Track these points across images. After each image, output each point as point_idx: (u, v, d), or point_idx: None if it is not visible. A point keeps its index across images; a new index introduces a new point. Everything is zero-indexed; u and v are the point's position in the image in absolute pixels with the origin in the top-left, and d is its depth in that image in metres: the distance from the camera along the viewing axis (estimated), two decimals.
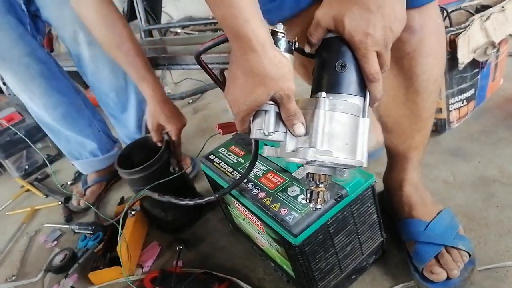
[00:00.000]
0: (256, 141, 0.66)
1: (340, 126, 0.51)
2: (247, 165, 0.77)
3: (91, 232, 1.06)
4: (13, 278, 1.04)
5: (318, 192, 0.55)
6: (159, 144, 1.02)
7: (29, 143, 1.46)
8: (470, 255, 0.72)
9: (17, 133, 1.64)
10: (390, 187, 0.86)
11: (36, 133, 1.69)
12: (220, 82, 0.63)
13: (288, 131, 0.53)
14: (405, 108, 0.72)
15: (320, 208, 0.56)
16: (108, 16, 0.92)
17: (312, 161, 0.50)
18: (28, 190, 1.54)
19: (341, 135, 0.51)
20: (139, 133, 1.32)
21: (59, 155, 1.76)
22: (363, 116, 0.53)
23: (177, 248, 0.96)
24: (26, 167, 1.69)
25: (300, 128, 0.52)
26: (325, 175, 0.54)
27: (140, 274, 0.96)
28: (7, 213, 1.43)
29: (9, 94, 2.04)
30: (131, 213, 1.04)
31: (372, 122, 1.03)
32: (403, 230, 0.79)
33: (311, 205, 0.55)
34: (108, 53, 0.96)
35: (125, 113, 1.28)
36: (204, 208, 1.10)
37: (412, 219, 0.78)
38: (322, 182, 0.54)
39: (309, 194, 0.55)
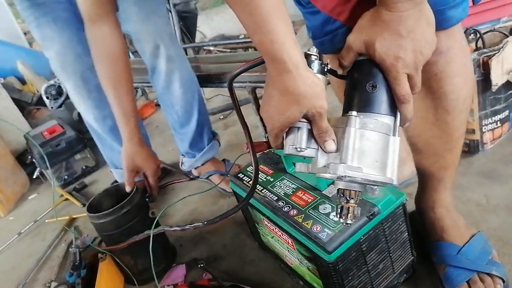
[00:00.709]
0: (256, 158, 0.69)
1: (370, 143, 0.53)
2: (276, 182, 0.80)
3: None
4: (51, 282, 1.10)
5: (349, 208, 0.56)
6: (128, 190, 1.00)
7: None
8: (504, 281, 0.70)
9: (58, 145, 1.73)
10: (422, 208, 0.86)
11: (76, 145, 1.78)
12: (239, 111, 0.68)
13: (319, 147, 0.56)
14: (435, 128, 0.73)
15: (350, 224, 0.58)
16: (116, 53, 0.97)
17: (342, 176, 0.52)
18: (67, 199, 1.61)
19: (371, 152, 0.53)
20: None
21: (97, 166, 1.85)
22: (394, 135, 0.55)
23: (199, 266, 0.99)
24: (66, 177, 1.77)
25: (331, 145, 0.54)
26: (356, 191, 0.56)
27: None
28: (46, 221, 1.50)
29: (52, 107, 2.16)
30: (101, 257, 1.00)
31: (408, 153, 1.04)
32: (435, 253, 0.79)
33: (341, 220, 0.57)
34: (103, 87, 1.00)
35: (185, 128, 1.31)
36: (176, 256, 1.08)
37: (444, 241, 0.77)
38: (352, 198, 0.56)
39: (339, 210, 0.57)
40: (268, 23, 0.49)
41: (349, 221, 0.57)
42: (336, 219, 0.65)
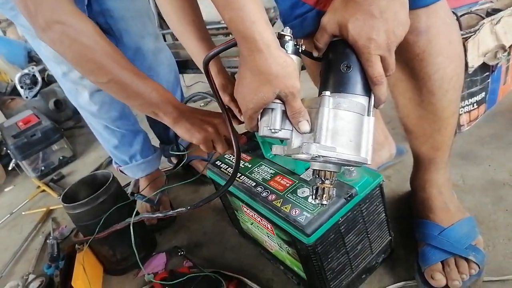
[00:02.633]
0: (237, 144, 0.67)
1: (344, 123, 0.53)
2: (255, 168, 0.79)
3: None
4: (29, 274, 1.07)
5: (324, 188, 0.56)
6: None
7: None
8: (479, 267, 0.70)
9: (33, 135, 1.69)
10: (414, 187, 0.87)
11: (52, 135, 1.73)
12: (217, 93, 0.65)
13: (294, 128, 0.55)
14: (422, 109, 0.73)
15: (326, 204, 0.57)
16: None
17: (316, 156, 0.51)
18: (43, 190, 1.58)
19: (345, 132, 0.53)
20: None
21: (74, 156, 1.81)
22: (368, 115, 0.55)
23: (179, 253, 0.98)
24: (42, 168, 1.73)
25: (305, 125, 0.53)
26: (331, 171, 0.56)
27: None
28: (23, 213, 1.46)
29: (26, 97, 2.10)
30: (78, 248, 0.97)
31: (386, 137, 1.04)
32: (418, 230, 0.79)
33: (317, 201, 0.57)
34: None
35: None
36: (156, 245, 1.07)
37: (429, 221, 0.78)
38: (327, 179, 0.56)
39: (314, 190, 0.57)
40: (239, 0, 0.48)
41: (324, 202, 0.57)
42: (314, 202, 0.65)
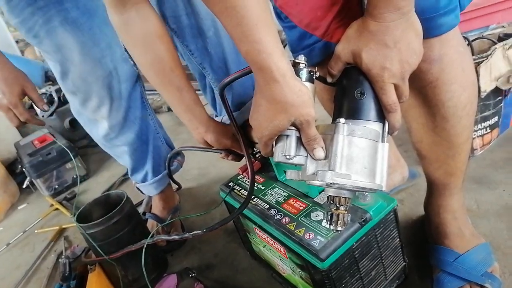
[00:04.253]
0: (252, 167, 0.69)
1: (359, 150, 0.53)
2: (268, 191, 0.79)
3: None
4: None
5: (339, 215, 0.56)
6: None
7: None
8: None
9: (49, 154, 1.71)
10: (428, 212, 0.86)
11: (67, 154, 1.76)
12: (233, 118, 0.68)
13: (308, 155, 0.56)
14: (435, 134, 0.73)
15: (340, 230, 0.57)
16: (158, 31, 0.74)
17: (331, 183, 0.52)
18: (57, 209, 1.59)
19: (359, 159, 0.53)
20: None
21: (88, 175, 1.83)
22: (383, 141, 0.55)
23: (190, 275, 0.97)
24: (56, 186, 1.75)
25: (319, 152, 0.54)
26: (345, 198, 0.56)
27: None
28: (36, 231, 1.47)
29: (42, 116, 2.14)
30: (90, 268, 0.98)
31: (398, 160, 1.04)
32: (432, 255, 0.78)
33: (331, 227, 0.57)
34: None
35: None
36: (167, 266, 1.07)
37: (444, 247, 0.77)
38: (342, 205, 0.56)
39: (329, 217, 0.57)
40: (255, 33, 0.49)
41: (339, 228, 0.57)
42: (329, 227, 0.65)
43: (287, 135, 0.55)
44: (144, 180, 1.21)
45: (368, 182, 0.53)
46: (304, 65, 0.56)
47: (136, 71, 1.06)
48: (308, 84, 0.56)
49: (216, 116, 1.17)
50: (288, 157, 0.55)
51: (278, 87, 0.51)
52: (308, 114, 0.53)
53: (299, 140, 0.56)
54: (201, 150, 0.81)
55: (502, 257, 0.80)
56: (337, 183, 0.52)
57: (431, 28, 0.58)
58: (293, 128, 0.55)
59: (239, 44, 0.51)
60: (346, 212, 0.57)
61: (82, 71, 0.98)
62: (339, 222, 0.56)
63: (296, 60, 0.56)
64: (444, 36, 0.61)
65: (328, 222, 0.57)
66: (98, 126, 1.08)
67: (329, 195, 0.57)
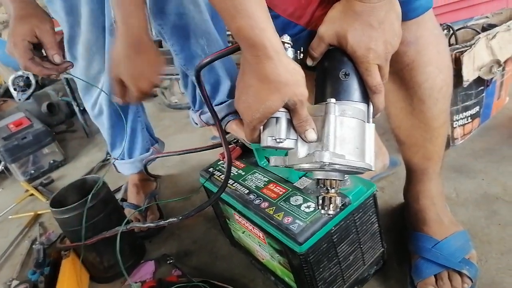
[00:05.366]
0: (228, 151, 0.67)
1: (350, 130, 0.52)
2: (248, 176, 0.78)
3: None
4: (12, 280, 1.04)
5: (330, 198, 0.55)
6: None
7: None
8: (472, 282, 0.70)
9: (24, 138, 1.66)
10: (407, 199, 0.86)
11: (44, 138, 1.71)
12: (208, 101, 0.66)
13: (299, 137, 0.54)
14: (413, 118, 0.73)
15: (332, 214, 0.56)
16: None
17: (327, 164, 0.50)
18: (32, 194, 1.55)
19: (351, 139, 0.52)
20: None
21: (65, 160, 1.78)
22: (368, 122, 0.55)
23: (168, 262, 0.95)
24: (32, 171, 1.70)
25: (312, 134, 0.52)
26: (336, 180, 0.54)
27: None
28: (10, 217, 1.43)
29: (19, 99, 2.08)
30: (64, 254, 0.96)
31: (380, 148, 1.04)
32: (411, 242, 0.79)
33: (323, 211, 0.55)
34: None
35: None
36: (144, 253, 1.05)
37: (423, 233, 0.78)
38: (333, 188, 0.54)
39: (321, 201, 0.55)
40: (248, 8, 0.47)
41: (331, 212, 0.55)
42: (308, 210, 0.64)
43: (277, 118, 0.53)
44: (121, 158, 1.19)
45: (361, 162, 0.52)
46: (289, 45, 0.54)
47: None
48: None
49: (196, 111, 1.15)
50: (278, 140, 0.53)
51: (271, 65, 0.49)
52: (302, 93, 0.51)
53: (289, 122, 0.53)
54: (178, 154, 0.76)
55: (479, 245, 0.80)
56: (334, 163, 0.50)
57: (408, 11, 0.58)
58: (283, 109, 0.52)
59: (230, 21, 0.49)
60: (337, 195, 0.55)
61: (87, 40, 0.96)
62: (331, 205, 0.54)
63: (282, 40, 0.54)
64: (420, 18, 0.62)
65: (320, 207, 0.55)
66: (92, 94, 1.07)
67: (319, 179, 0.55)
